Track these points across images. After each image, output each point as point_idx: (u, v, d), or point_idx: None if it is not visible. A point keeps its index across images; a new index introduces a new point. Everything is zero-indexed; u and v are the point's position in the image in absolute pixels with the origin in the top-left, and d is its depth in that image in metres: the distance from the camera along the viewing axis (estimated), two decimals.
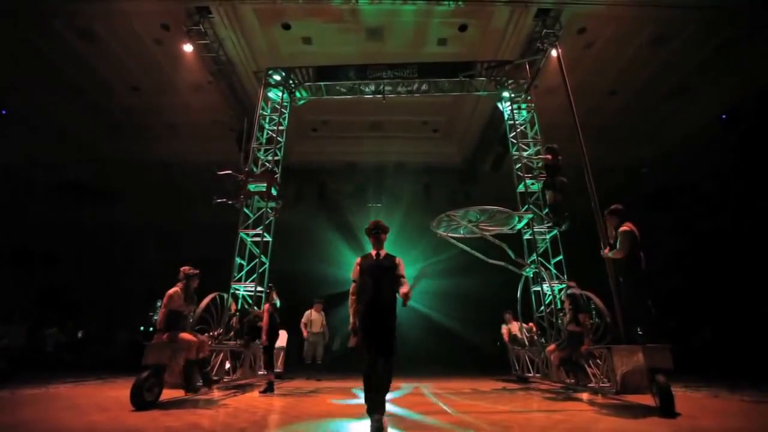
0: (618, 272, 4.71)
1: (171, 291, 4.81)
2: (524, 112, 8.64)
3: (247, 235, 7.44)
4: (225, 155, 10.12)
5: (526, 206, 7.58)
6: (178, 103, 11.27)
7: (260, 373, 7.13)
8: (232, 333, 6.40)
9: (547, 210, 7.68)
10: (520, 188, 7.90)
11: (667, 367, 3.81)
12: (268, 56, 9.64)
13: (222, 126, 11.43)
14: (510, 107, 8.56)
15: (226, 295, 6.58)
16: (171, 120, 12.08)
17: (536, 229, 7.48)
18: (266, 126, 8.52)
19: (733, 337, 11.36)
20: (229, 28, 8.98)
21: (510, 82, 8.60)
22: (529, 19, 8.67)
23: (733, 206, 12.65)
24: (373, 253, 3.53)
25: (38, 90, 10.34)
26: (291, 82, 8.63)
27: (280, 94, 8.57)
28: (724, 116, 10.86)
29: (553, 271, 7.47)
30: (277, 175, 7.92)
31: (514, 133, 8.35)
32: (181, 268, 5.01)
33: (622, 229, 4.57)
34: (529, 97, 8.60)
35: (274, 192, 7.50)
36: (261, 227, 7.39)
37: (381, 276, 3.38)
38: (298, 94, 8.91)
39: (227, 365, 6.19)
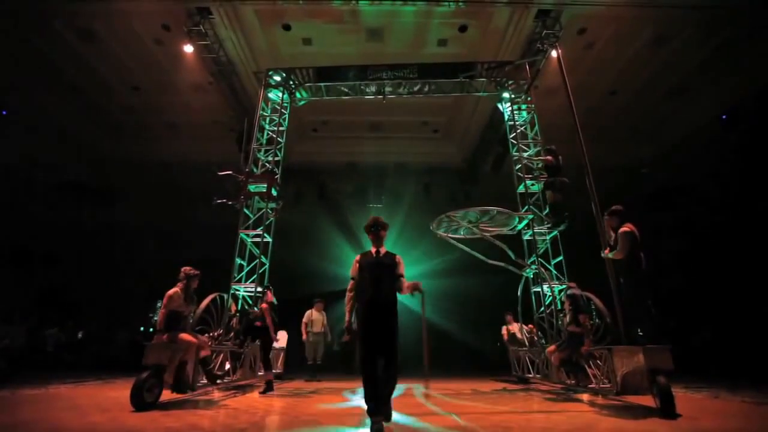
0: (618, 273, 4.71)
1: (171, 291, 4.81)
2: (524, 113, 8.64)
3: (248, 235, 7.44)
4: (225, 156, 10.11)
5: (527, 207, 7.57)
6: (178, 104, 11.28)
7: (260, 374, 7.13)
8: (232, 334, 6.40)
9: (547, 211, 7.69)
10: (521, 189, 7.90)
11: (668, 368, 3.81)
12: (269, 57, 9.64)
13: (222, 126, 11.43)
14: (510, 108, 8.56)
15: (226, 296, 6.58)
16: (171, 120, 12.09)
17: (536, 229, 7.47)
18: (266, 126, 8.52)
19: (733, 338, 11.36)
20: (230, 28, 8.98)
21: (510, 82, 8.59)
22: (529, 19, 8.67)
23: (733, 206, 12.65)
24: (373, 250, 3.46)
25: (38, 90, 10.34)
26: (291, 82, 8.63)
27: (280, 94, 8.57)
28: (724, 116, 10.85)
29: (554, 271, 7.47)
30: (278, 176, 7.92)
31: (515, 133, 8.35)
32: (182, 269, 5.01)
33: (622, 229, 4.57)
34: (529, 98, 8.60)
35: (274, 192, 7.50)
36: (261, 228, 7.38)
37: (381, 273, 3.30)
38: (298, 95, 8.91)
39: (227, 366, 6.19)
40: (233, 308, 6.80)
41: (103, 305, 15.14)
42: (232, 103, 10.67)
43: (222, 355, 6.00)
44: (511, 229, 7.67)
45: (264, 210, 7.52)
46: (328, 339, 8.70)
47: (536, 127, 8.44)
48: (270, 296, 6.40)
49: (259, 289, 7.09)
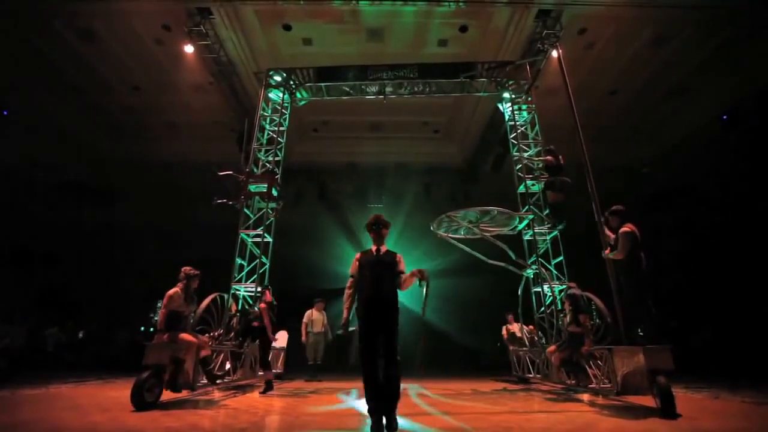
0: (618, 273, 4.71)
1: (171, 291, 4.81)
2: (525, 113, 8.63)
3: (248, 235, 7.44)
4: (225, 156, 10.11)
5: (527, 207, 7.57)
6: (178, 104, 11.28)
7: (260, 374, 7.13)
8: (232, 334, 6.40)
9: (547, 211, 7.69)
10: (521, 189, 7.90)
11: (668, 368, 3.81)
12: (269, 57, 9.64)
13: (222, 126, 11.43)
14: (510, 108, 8.56)
15: (226, 296, 6.58)
16: (171, 120, 12.09)
17: (537, 229, 7.47)
18: (267, 126, 8.52)
19: (733, 338, 11.36)
20: (230, 28, 8.98)
21: (511, 82, 8.59)
22: (529, 19, 8.67)
23: (733, 206, 12.65)
24: (374, 248, 3.43)
25: (38, 90, 10.34)
26: (291, 82, 8.63)
27: (280, 94, 8.57)
28: (724, 116, 10.86)
29: (554, 271, 7.47)
30: (278, 176, 7.92)
31: (515, 133, 8.35)
32: (182, 269, 5.01)
33: (622, 229, 4.57)
34: (529, 98, 8.59)
35: (274, 192, 7.50)
36: (261, 228, 7.38)
37: (382, 271, 3.27)
38: (298, 95, 8.91)
39: (228, 366, 6.19)
40: (233, 308, 6.80)
41: (103, 305, 15.14)
42: (233, 103, 10.67)
43: (222, 355, 6.00)
44: (511, 230, 7.67)
45: (264, 210, 7.52)
46: (329, 338, 8.68)
47: (537, 127, 8.44)
48: (269, 296, 6.40)
49: (260, 289, 7.10)
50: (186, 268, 5.02)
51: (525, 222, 7.50)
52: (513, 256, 7.34)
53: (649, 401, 3.97)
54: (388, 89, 8.74)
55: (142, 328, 15.31)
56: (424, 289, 3.26)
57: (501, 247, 7.21)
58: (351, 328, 3.39)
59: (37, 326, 12.61)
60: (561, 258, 7.51)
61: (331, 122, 12.72)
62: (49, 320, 13.21)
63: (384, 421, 2.96)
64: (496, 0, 8.35)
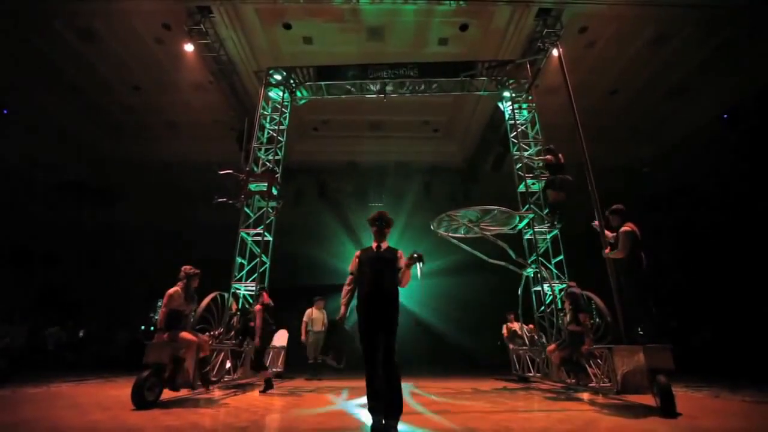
0: (619, 272, 4.71)
1: (171, 290, 4.81)
2: (525, 112, 8.63)
3: (248, 234, 7.44)
4: (225, 155, 10.11)
5: (527, 206, 7.58)
6: (178, 103, 11.28)
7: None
8: (232, 333, 6.40)
9: (547, 210, 7.69)
10: (521, 188, 7.90)
11: (668, 368, 3.82)
12: (269, 56, 9.64)
13: (223, 125, 11.42)
14: (511, 107, 8.56)
15: (226, 295, 6.58)
16: (171, 119, 12.08)
17: (537, 228, 7.47)
18: (267, 125, 8.52)
19: (733, 337, 11.37)
20: (230, 27, 8.97)
21: (511, 81, 8.59)
22: (530, 18, 8.66)
23: (733, 206, 12.65)
24: (374, 245, 3.42)
25: (38, 90, 10.33)
26: (292, 81, 8.63)
27: (280, 93, 8.57)
28: (724, 116, 10.85)
29: (554, 270, 7.47)
30: (278, 175, 7.92)
31: (515, 132, 8.34)
32: (182, 268, 5.01)
33: (623, 229, 4.58)
34: (530, 97, 8.59)
35: (274, 191, 7.50)
36: (262, 227, 7.39)
37: (382, 268, 3.25)
38: (298, 94, 8.91)
39: (228, 365, 6.19)
40: (234, 307, 6.81)
41: (104, 305, 15.15)
42: (233, 103, 10.67)
43: (222, 354, 6.01)
44: (511, 229, 7.67)
45: (264, 209, 7.52)
46: (325, 324, 8.65)
47: (537, 126, 8.44)
48: (266, 298, 6.39)
49: (260, 287, 7.10)
50: (186, 267, 5.02)
51: (525, 221, 7.50)
52: (513, 256, 7.34)
53: (649, 400, 3.97)
54: (389, 88, 8.74)
55: (143, 328, 15.33)
56: (420, 267, 3.20)
57: (501, 246, 7.21)
58: (348, 326, 3.37)
59: (37, 326, 12.62)
60: (561, 257, 7.51)
61: (331, 121, 12.71)
62: (50, 320, 13.22)
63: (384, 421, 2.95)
64: None
